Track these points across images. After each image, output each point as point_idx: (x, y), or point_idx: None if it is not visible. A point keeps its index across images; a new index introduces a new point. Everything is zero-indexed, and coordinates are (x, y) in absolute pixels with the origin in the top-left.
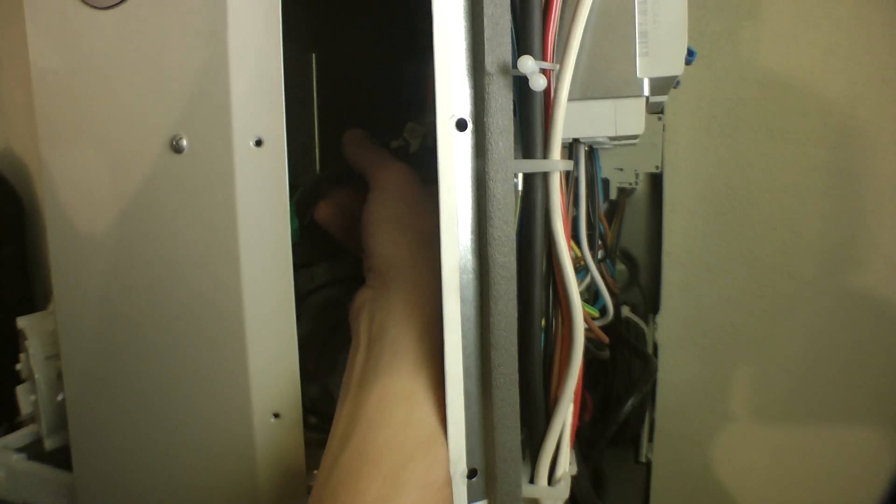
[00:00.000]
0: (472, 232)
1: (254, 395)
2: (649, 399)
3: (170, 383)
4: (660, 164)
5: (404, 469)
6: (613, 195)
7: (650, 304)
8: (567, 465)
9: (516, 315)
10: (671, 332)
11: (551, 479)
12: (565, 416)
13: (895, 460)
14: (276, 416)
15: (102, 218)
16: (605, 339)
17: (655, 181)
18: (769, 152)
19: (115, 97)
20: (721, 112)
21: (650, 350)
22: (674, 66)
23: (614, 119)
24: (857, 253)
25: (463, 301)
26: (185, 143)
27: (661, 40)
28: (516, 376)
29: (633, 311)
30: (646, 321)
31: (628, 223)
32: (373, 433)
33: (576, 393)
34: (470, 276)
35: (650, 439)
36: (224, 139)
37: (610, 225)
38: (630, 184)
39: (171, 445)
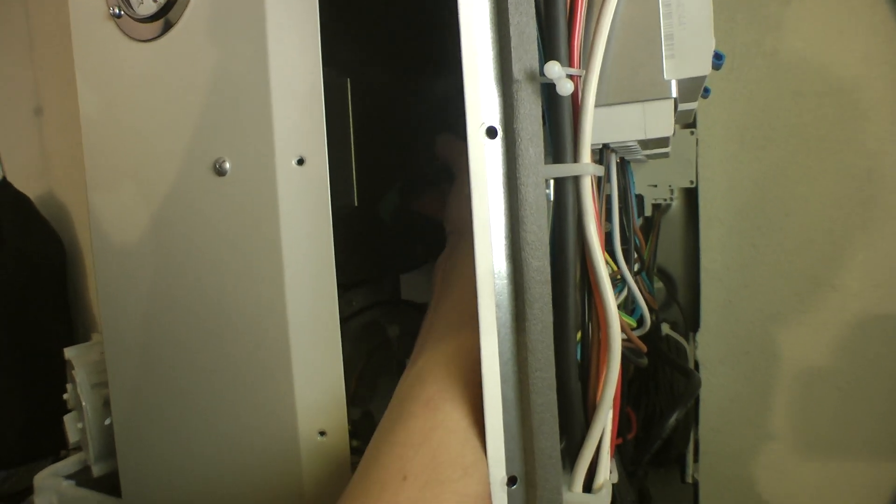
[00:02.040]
0: (505, 237)
1: (300, 414)
2: (693, 418)
3: (216, 404)
4: (694, 179)
5: (441, 480)
6: (648, 212)
7: (690, 322)
8: (608, 474)
9: (552, 319)
10: (712, 350)
11: (592, 487)
12: (605, 422)
13: None
14: (322, 433)
15: (147, 245)
16: (643, 347)
17: (690, 196)
18: (805, 163)
19: (158, 126)
20: (754, 124)
21: (693, 368)
22: (701, 66)
23: (643, 122)
24: None
25: (498, 306)
26: (227, 165)
27: (686, 41)
28: (554, 381)
29: (673, 328)
30: (686, 339)
31: (664, 240)
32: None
33: (615, 399)
34: (504, 282)
35: (696, 459)
36: (267, 159)
37: (646, 241)
38: (665, 200)
39: (218, 465)
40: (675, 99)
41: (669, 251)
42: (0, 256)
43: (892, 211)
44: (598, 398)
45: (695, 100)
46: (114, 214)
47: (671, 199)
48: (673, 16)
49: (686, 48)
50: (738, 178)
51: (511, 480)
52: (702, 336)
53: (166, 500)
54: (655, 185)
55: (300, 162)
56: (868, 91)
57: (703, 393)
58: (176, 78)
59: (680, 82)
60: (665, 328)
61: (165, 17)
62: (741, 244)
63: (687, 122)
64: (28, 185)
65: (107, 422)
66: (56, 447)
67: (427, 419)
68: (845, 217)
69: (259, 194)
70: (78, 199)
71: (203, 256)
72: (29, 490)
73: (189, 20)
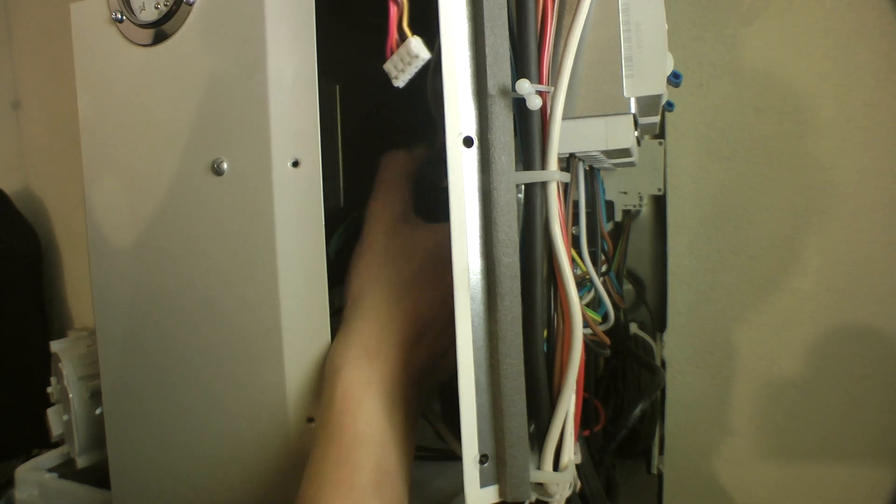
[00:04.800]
0: (479, 237)
1: (289, 401)
2: (659, 414)
3: (207, 393)
4: (662, 187)
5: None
6: (619, 217)
7: (657, 322)
8: (572, 454)
9: (520, 311)
10: (678, 350)
11: (557, 466)
12: (568, 405)
13: None
14: (311, 420)
15: (142, 239)
16: (607, 340)
17: (659, 203)
18: (766, 174)
19: (158, 126)
20: (720, 137)
21: (659, 366)
22: (656, 85)
23: (605, 134)
24: (854, 269)
25: (472, 299)
26: (225, 165)
27: (644, 63)
28: (522, 367)
29: (641, 328)
30: (653, 338)
31: (634, 244)
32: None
33: (578, 385)
34: (478, 277)
35: (661, 452)
36: (263, 161)
37: (616, 244)
38: (634, 206)
39: (208, 452)
40: (635, 114)
41: (639, 255)
42: None
43: (844, 220)
44: (562, 383)
45: (656, 114)
46: (110, 211)
47: (640, 206)
48: (632, 40)
49: (644, 69)
50: (704, 187)
51: (483, 458)
52: (668, 336)
53: (156, 490)
54: (626, 192)
55: (295, 164)
56: (822, 109)
57: (669, 390)
58: (176, 81)
59: (639, 99)
60: (633, 328)
61: (167, 23)
62: (707, 249)
63: (653, 133)
64: (4, 179)
65: (97, 411)
66: (28, 445)
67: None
68: (803, 225)
69: (255, 194)
70: (54, 194)
71: (199, 251)
72: (6, 485)
73: (190, 27)
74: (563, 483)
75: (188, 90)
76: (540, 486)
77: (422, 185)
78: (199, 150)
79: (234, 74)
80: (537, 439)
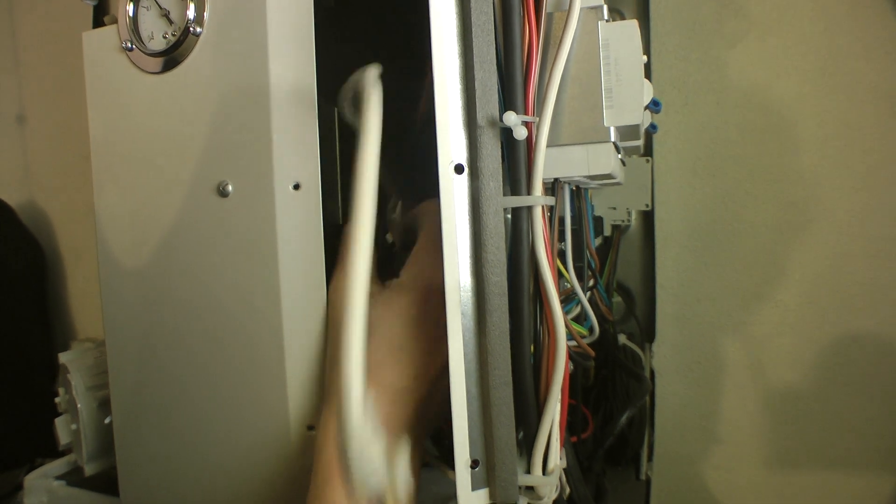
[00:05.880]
0: (470, 257)
1: (291, 411)
2: (648, 421)
3: (213, 402)
4: (650, 203)
5: None
6: (608, 232)
7: (646, 334)
8: (558, 459)
9: (508, 326)
10: (667, 360)
11: (545, 470)
12: (554, 414)
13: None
14: (311, 428)
15: (151, 256)
16: (591, 352)
17: (647, 218)
18: (751, 191)
19: (166, 150)
20: (705, 154)
21: (648, 376)
22: (634, 115)
23: (587, 161)
24: (833, 280)
25: (463, 314)
26: (230, 188)
27: (622, 95)
28: (510, 378)
29: (630, 339)
30: (642, 349)
31: (624, 258)
32: None
33: (563, 394)
34: (468, 294)
35: (650, 458)
36: (266, 183)
37: (606, 260)
38: (623, 221)
39: (214, 458)
40: (615, 142)
41: (628, 268)
42: None
43: (823, 235)
44: (548, 392)
45: (637, 139)
46: (120, 229)
47: (629, 221)
48: (612, 73)
49: (622, 100)
50: (691, 203)
51: (474, 463)
52: (657, 347)
53: (163, 495)
54: (614, 208)
55: (296, 187)
56: (802, 128)
57: (658, 399)
58: (184, 107)
59: (618, 128)
60: (622, 338)
61: (175, 52)
62: (693, 262)
63: (638, 153)
64: (9, 192)
65: (107, 420)
66: (32, 455)
67: None
68: (785, 240)
69: (259, 214)
70: (58, 207)
71: (205, 267)
72: (13, 493)
73: (196, 56)
74: (550, 486)
75: (195, 116)
76: (530, 489)
77: None
78: (206, 173)
79: (239, 101)
80: (526, 445)
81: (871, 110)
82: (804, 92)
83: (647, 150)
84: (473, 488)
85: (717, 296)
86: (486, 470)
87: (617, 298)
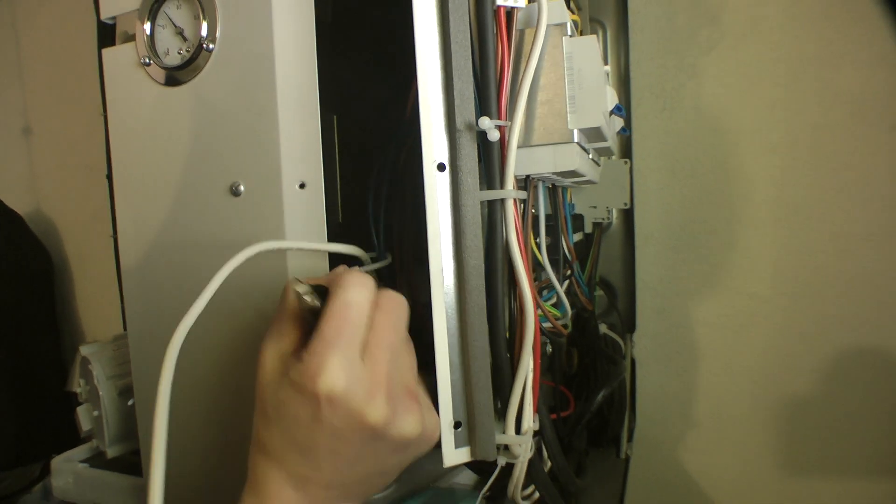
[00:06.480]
0: (452, 244)
1: None
2: (628, 403)
3: (227, 389)
4: (628, 202)
5: None
6: (589, 229)
7: (627, 325)
8: (531, 421)
9: (485, 304)
10: (647, 350)
11: (519, 430)
12: (526, 378)
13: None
14: None
15: (168, 252)
16: (564, 331)
17: (628, 216)
18: (726, 190)
19: (182, 154)
20: (683, 156)
21: (628, 365)
22: (595, 119)
23: (554, 159)
24: (805, 275)
25: (446, 294)
26: (242, 187)
27: (584, 101)
28: (487, 349)
29: (612, 329)
30: (623, 339)
31: (606, 254)
32: None
33: (535, 363)
34: (451, 276)
35: (629, 440)
36: (275, 183)
37: (588, 254)
38: (604, 219)
39: (230, 437)
40: (579, 143)
41: (610, 263)
42: None
43: (796, 231)
44: (518, 361)
45: (604, 140)
46: (139, 227)
47: (610, 219)
48: (574, 82)
49: (584, 106)
50: (669, 202)
51: (457, 424)
52: (638, 338)
53: (185, 474)
54: (595, 207)
55: (302, 186)
56: (774, 131)
57: (640, 387)
58: (198, 116)
59: (582, 130)
60: (603, 327)
61: (189, 66)
62: (672, 258)
63: (610, 155)
64: (17, 201)
65: (130, 402)
66: (47, 450)
67: None
68: (759, 236)
69: (268, 211)
70: (65, 215)
71: (219, 260)
72: (19, 493)
73: (210, 70)
74: (524, 444)
75: (209, 124)
76: (506, 449)
77: None
78: (219, 175)
79: (249, 110)
80: (504, 412)
81: (839, 114)
82: (775, 97)
83: (627, 153)
84: (457, 446)
85: (694, 290)
86: (468, 431)
87: (599, 292)
